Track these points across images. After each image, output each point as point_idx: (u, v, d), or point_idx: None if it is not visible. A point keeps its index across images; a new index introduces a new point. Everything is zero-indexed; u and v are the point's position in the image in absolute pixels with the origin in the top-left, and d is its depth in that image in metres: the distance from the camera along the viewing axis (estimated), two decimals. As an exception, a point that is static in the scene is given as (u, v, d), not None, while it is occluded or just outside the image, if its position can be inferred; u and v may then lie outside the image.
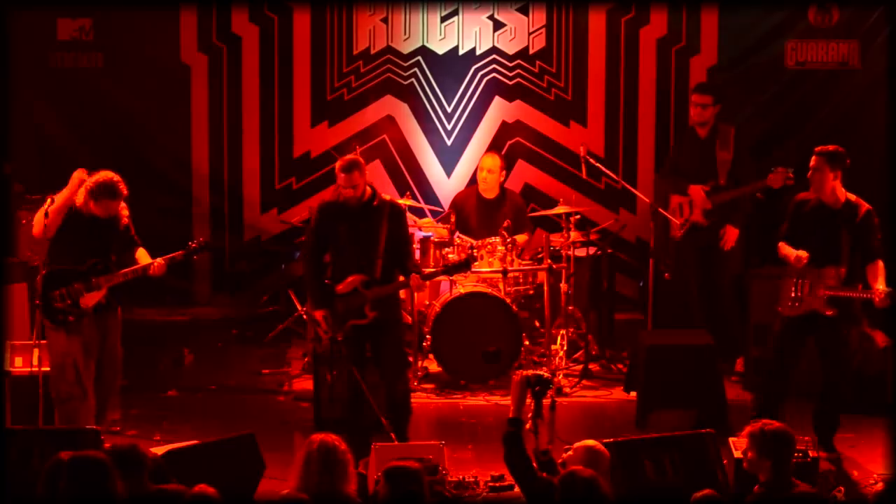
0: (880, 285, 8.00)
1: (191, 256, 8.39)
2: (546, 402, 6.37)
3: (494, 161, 10.44)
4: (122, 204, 8.29)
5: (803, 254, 8.20)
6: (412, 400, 8.87)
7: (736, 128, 10.19)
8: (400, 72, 11.67)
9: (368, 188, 8.28)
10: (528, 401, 6.34)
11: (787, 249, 8.34)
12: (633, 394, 9.25)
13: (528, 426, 6.32)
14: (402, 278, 8.32)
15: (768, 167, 9.81)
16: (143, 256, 8.33)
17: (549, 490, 5.84)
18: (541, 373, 6.43)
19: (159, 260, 8.25)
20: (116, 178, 8.13)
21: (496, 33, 11.61)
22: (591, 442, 6.20)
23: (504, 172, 10.50)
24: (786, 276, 8.36)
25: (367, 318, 8.24)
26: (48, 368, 8.19)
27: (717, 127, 10.14)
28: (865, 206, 8.26)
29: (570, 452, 6.18)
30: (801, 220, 8.37)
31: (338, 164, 8.29)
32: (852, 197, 8.29)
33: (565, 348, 10.17)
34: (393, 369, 8.36)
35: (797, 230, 8.38)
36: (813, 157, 8.31)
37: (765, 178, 9.67)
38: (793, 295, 8.28)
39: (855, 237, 8.17)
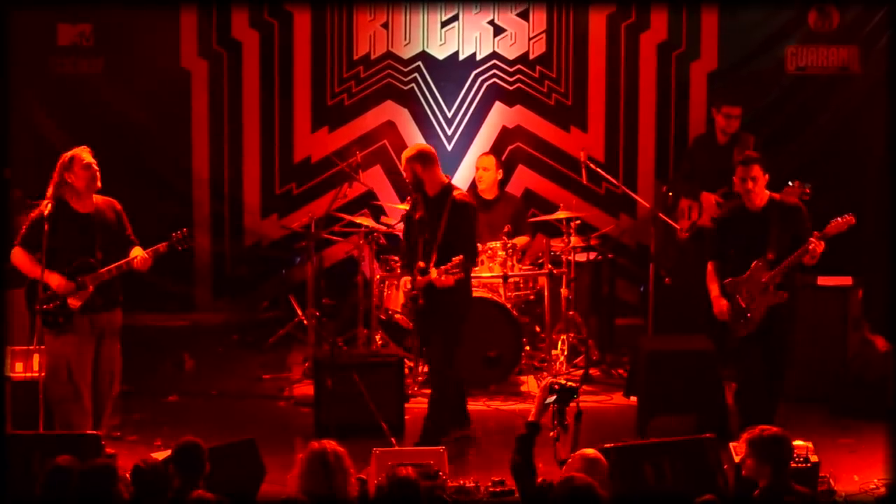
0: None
1: (175, 248, 8.30)
2: (573, 411, 6.41)
3: (489, 160, 10.51)
4: (112, 202, 8.29)
5: (726, 306, 8.33)
6: (417, 405, 8.94)
7: (756, 136, 10.20)
8: (400, 77, 11.68)
9: (444, 181, 8.62)
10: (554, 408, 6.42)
11: (714, 286, 8.45)
12: (634, 399, 9.25)
13: (552, 434, 6.37)
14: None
15: (771, 172, 9.79)
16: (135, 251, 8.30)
17: (545, 494, 5.91)
18: (563, 381, 6.48)
19: (143, 253, 8.21)
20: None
21: (496, 38, 11.62)
22: (589, 451, 6.20)
23: (501, 172, 10.53)
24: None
25: (416, 304, 8.57)
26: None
27: (738, 134, 10.17)
28: (792, 199, 8.44)
29: (568, 461, 6.19)
30: (730, 232, 8.47)
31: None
32: (776, 195, 8.41)
33: (566, 353, 10.17)
34: (433, 361, 8.72)
35: (727, 242, 8.48)
36: (745, 168, 8.31)
37: (779, 192, 9.63)
38: (740, 311, 8.32)
39: (788, 231, 8.25)
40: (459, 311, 8.64)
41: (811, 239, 8.11)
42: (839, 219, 8.17)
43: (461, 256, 8.27)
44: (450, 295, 8.44)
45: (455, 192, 8.61)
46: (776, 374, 8.37)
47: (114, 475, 5.84)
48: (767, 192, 8.34)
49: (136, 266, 8.17)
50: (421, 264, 8.49)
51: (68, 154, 8.13)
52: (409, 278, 8.65)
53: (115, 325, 8.31)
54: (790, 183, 9.42)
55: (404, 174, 8.76)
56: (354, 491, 5.99)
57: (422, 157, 8.60)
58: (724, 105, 10.27)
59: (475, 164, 10.66)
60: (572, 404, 6.41)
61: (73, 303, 8.09)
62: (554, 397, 6.40)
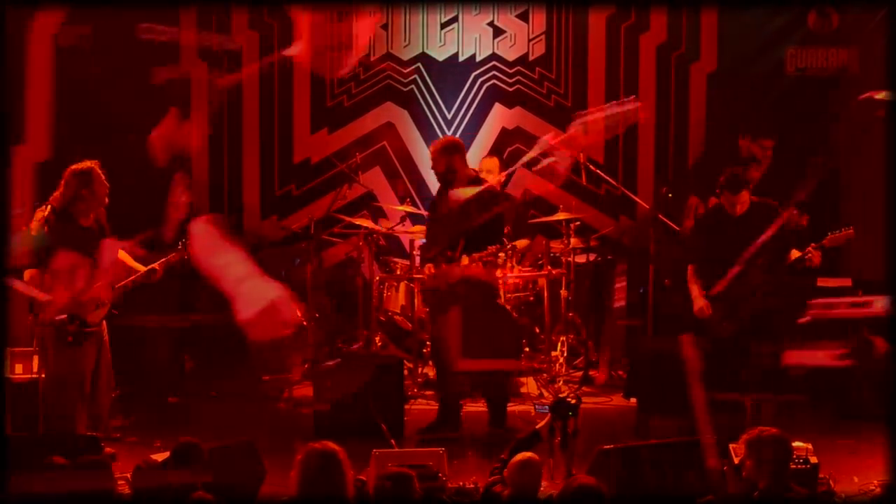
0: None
1: (183, 257, 8.34)
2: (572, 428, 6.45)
3: (493, 162, 10.52)
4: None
5: (704, 304, 8.48)
6: (417, 406, 8.93)
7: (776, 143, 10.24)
8: (400, 78, 11.69)
9: (471, 173, 8.84)
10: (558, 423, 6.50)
11: (694, 287, 8.57)
12: (633, 400, 9.25)
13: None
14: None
15: (771, 173, 9.81)
16: (124, 257, 8.30)
17: (489, 488, 6.17)
18: (564, 396, 6.50)
19: (156, 266, 8.22)
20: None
21: (496, 40, 11.62)
22: (519, 456, 6.21)
23: (504, 174, 10.54)
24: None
25: (435, 293, 8.78)
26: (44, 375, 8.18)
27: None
28: (771, 200, 8.60)
29: (507, 470, 6.19)
30: (711, 235, 8.60)
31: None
32: (755, 198, 8.55)
33: (565, 355, 10.18)
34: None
35: (708, 245, 8.58)
36: (734, 196, 8.47)
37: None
38: (725, 314, 8.39)
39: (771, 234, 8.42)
40: (494, 295, 8.87)
41: (809, 249, 8.20)
42: (838, 231, 8.21)
43: (497, 245, 8.51)
44: (477, 286, 8.64)
45: (486, 184, 8.76)
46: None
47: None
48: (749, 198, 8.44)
49: (151, 280, 8.19)
50: (449, 253, 8.60)
51: (85, 167, 8.09)
52: (431, 266, 8.74)
53: (105, 330, 8.33)
54: (793, 211, 9.48)
55: (434, 165, 8.86)
56: (352, 491, 6.00)
57: (457, 148, 8.81)
58: (762, 137, 10.29)
59: (478, 167, 10.64)
60: (572, 421, 6.43)
61: (94, 319, 8.08)
62: (547, 407, 6.42)
